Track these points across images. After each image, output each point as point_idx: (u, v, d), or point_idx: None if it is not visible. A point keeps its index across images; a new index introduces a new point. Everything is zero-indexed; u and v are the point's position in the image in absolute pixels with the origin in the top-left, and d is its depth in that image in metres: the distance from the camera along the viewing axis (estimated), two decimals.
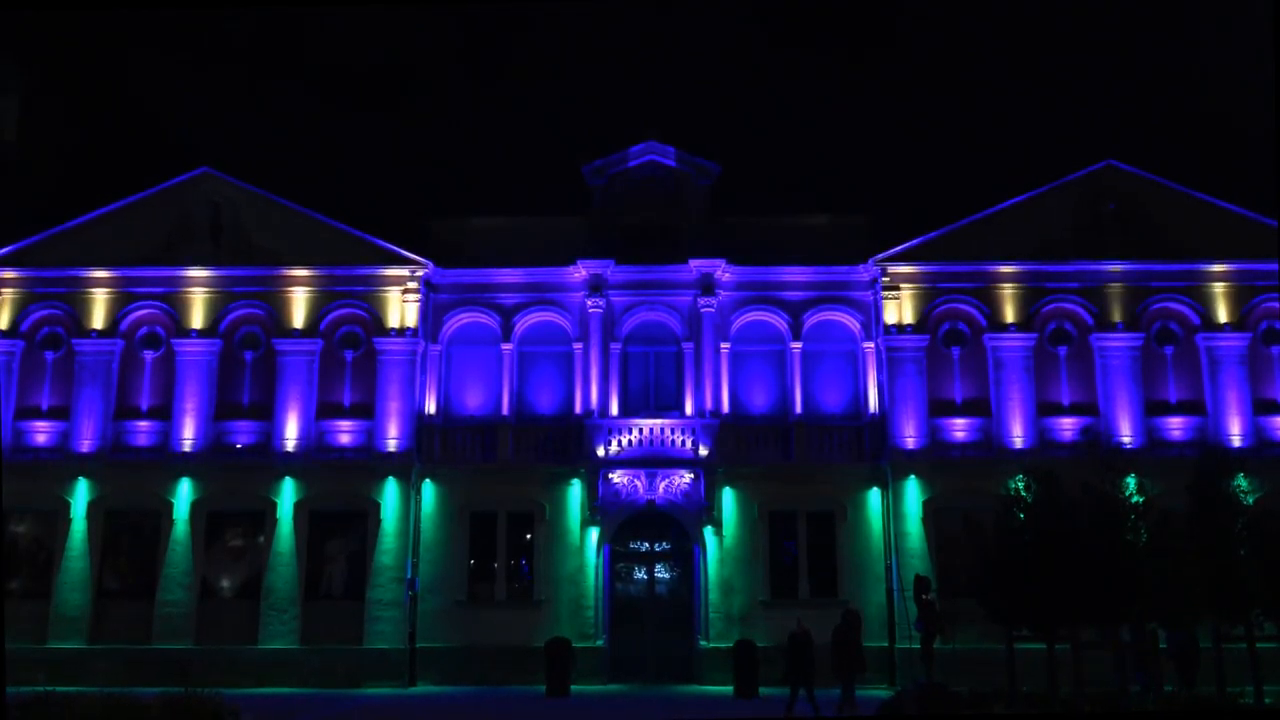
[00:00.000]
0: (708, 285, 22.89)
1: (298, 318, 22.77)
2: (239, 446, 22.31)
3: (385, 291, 22.82)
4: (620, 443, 21.91)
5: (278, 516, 21.77)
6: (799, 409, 22.48)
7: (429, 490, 22.24)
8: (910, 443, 21.83)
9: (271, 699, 18.35)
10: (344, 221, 23.17)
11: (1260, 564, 14.78)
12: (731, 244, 23.14)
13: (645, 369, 23.13)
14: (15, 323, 22.88)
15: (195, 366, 22.51)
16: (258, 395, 22.55)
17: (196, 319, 22.78)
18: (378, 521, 21.74)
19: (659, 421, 22.12)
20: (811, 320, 22.98)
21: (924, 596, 16.67)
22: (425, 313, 22.92)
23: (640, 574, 22.19)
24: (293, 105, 44.68)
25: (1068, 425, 22.07)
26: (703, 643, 21.31)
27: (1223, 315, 22.38)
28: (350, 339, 22.83)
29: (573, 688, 19.63)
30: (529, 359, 23.18)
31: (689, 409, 22.49)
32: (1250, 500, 16.64)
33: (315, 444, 22.23)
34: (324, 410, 22.42)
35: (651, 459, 21.80)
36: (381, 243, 22.96)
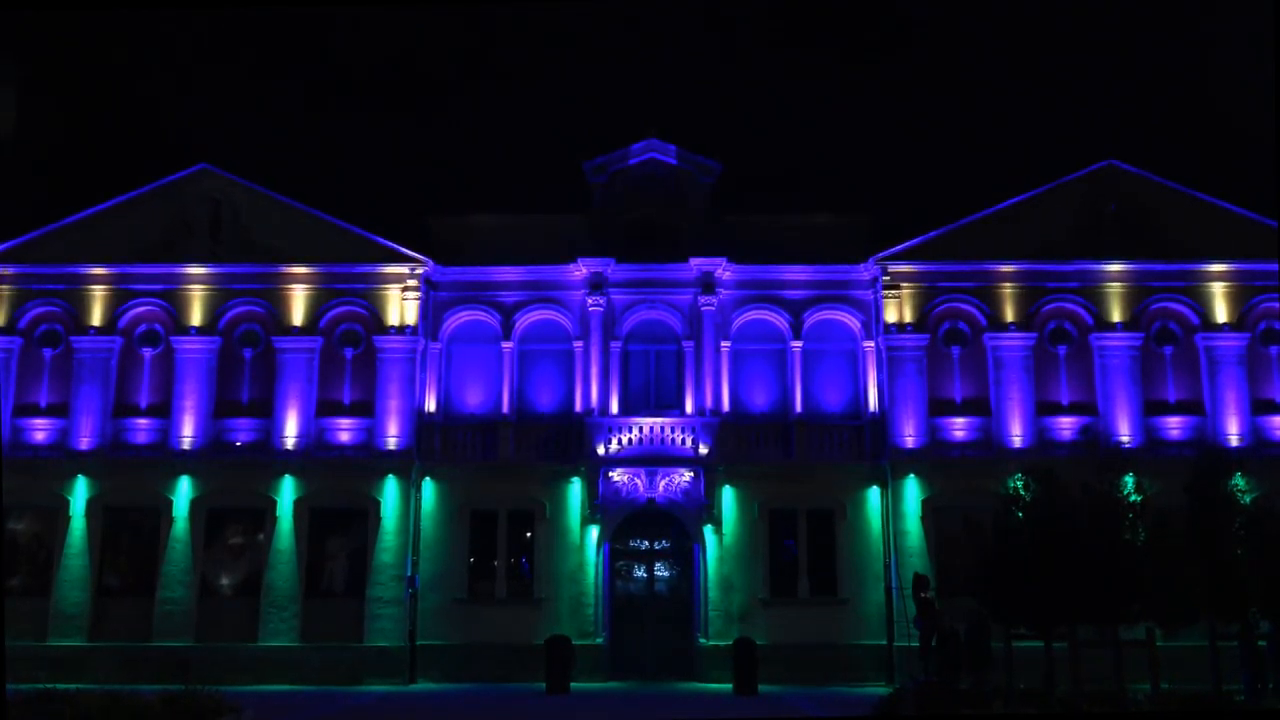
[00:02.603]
0: (708, 284, 22.90)
1: (297, 315, 22.75)
2: (239, 444, 22.30)
3: (385, 289, 22.81)
4: (620, 441, 21.94)
5: (277, 514, 21.77)
6: (799, 408, 22.52)
7: (429, 488, 22.26)
8: (910, 442, 21.88)
9: (272, 696, 18.36)
10: (344, 219, 23.14)
11: (1257, 563, 14.83)
12: (732, 242, 23.16)
13: (646, 367, 23.15)
14: (13, 319, 22.82)
15: (194, 364, 22.49)
16: (257, 393, 22.54)
17: (196, 316, 22.75)
18: (378, 519, 21.75)
19: (659, 420, 22.15)
20: (812, 319, 23.01)
21: (922, 594, 16.71)
22: (425, 310, 22.92)
23: (640, 572, 22.23)
24: (293, 102, 44.60)
25: (1067, 425, 22.13)
26: (702, 640, 21.36)
27: (1222, 315, 22.45)
28: (350, 337, 22.83)
29: (573, 685, 19.66)
30: (529, 357, 23.19)
31: (689, 407, 22.51)
32: (1248, 500, 16.68)
33: (315, 442, 22.24)
34: (324, 408, 22.42)
35: (652, 457, 21.84)
36: (381, 240, 22.94)
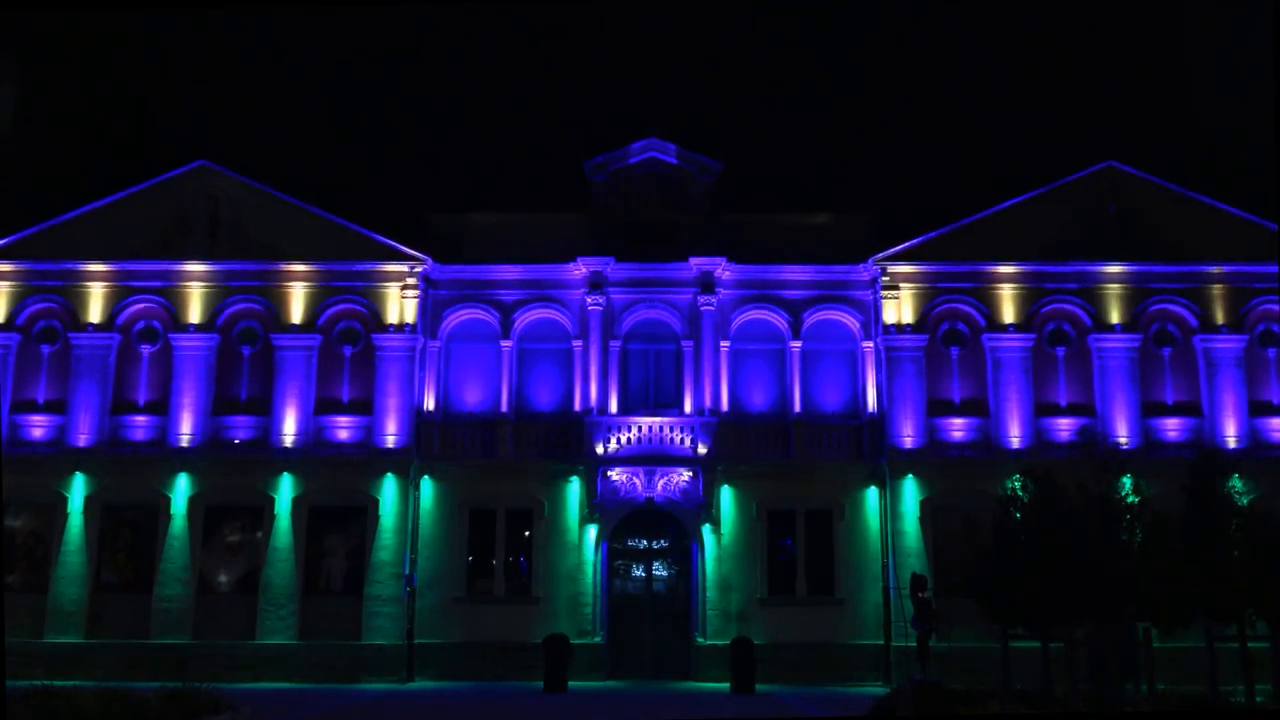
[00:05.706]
0: (708, 283, 22.92)
1: (296, 313, 22.74)
2: (237, 441, 22.29)
3: (384, 287, 22.81)
4: (619, 440, 21.95)
5: (276, 512, 21.78)
6: (798, 408, 22.54)
7: (428, 486, 22.26)
8: (908, 442, 21.91)
9: (269, 694, 18.36)
10: (343, 216, 23.14)
11: (1254, 565, 14.87)
12: (732, 242, 23.17)
13: (645, 367, 23.17)
14: (11, 316, 22.80)
15: (193, 361, 22.48)
16: (256, 390, 22.53)
17: (194, 313, 22.74)
18: (376, 517, 21.76)
19: (658, 419, 22.17)
20: (811, 319, 23.03)
21: (920, 594, 16.77)
22: (424, 309, 22.92)
23: (638, 571, 22.25)
24: (292, 100, 44.57)
25: (1065, 426, 22.17)
26: (700, 640, 21.39)
27: (1220, 317, 22.49)
28: (349, 334, 22.82)
29: (570, 684, 19.67)
30: (529, 356, 23.20)
31: (688, 407, 22.53)
32: (1245, 501, 16.74)
33: (314, 439, 22.23)
34: (322, 406, 22.42)
35: (650, 457, 21.86)
36: (381, 238, 22.94)
